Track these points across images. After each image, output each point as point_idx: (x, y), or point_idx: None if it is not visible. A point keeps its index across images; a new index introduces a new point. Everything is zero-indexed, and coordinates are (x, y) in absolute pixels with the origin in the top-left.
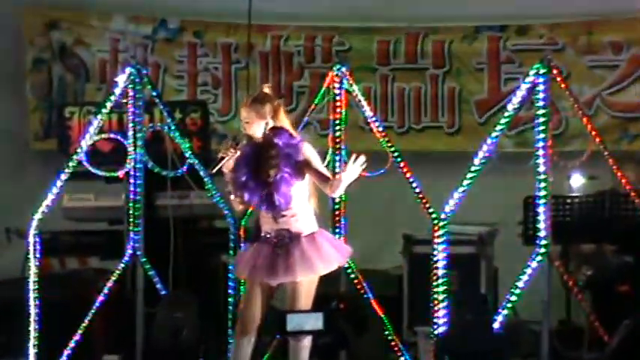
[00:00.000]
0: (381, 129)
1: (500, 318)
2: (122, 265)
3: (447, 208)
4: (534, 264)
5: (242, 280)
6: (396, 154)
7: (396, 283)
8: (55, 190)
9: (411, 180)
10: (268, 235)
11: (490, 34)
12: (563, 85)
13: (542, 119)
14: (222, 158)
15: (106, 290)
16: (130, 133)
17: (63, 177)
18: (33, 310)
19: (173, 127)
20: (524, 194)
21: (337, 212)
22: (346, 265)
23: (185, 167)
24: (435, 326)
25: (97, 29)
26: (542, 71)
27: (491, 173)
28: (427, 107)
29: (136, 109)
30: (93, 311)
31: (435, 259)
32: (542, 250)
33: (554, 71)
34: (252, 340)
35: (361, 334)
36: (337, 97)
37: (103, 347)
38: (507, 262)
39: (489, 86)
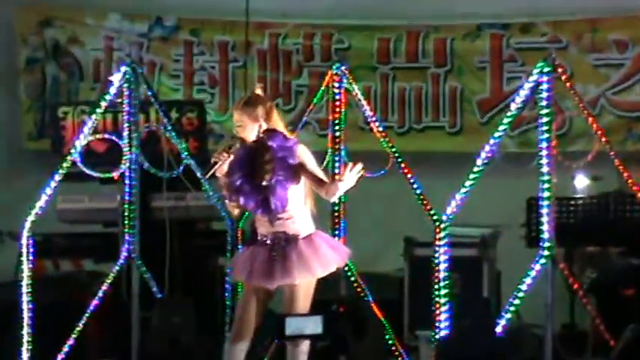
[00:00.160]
0: (381, 129)
1: (502, 322)
2: (117, 268)
3: (449, 210)
4: (538, 267)
5: (240, 283)
6: (396, 154)
7: (397, 286)
8: (48, 192)
9: (412, 181)
10: (265, 239)
11: (492, 32)
12: (567, 84)
13: (545, 119)
14: (216, 163)
15: (100, 294)
16: (125, 133)
17: (57, 178)
18: (26, 314)
19: (169, 127)
20: (528, 195)
21: (337, 214)
22: (346, 268)
23: (181, 168)
24: (437, 330)
25: (91, 27)
26: (545, 70)
27: (493, 174)
28: (428, 107)
29: (131, 108)
30: (87, 315)
31: (436, 261)
32: (546, 252)
33: (558, 70)
34: (247, 345)
35: (361, 338)
36: (337, 97)
37: (97, 352)
38: (510, 265)
39: (492, 85)
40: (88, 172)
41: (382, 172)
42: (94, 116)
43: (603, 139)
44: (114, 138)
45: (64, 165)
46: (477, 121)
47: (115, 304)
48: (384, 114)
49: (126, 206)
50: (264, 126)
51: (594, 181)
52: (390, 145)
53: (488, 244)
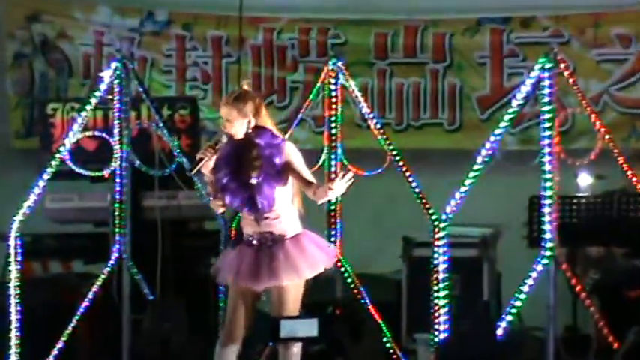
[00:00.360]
0: (378, 126)
1: (503, 324)
2: (107, 269)
3: (448, 209)
4: (539, 267)
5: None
6: (394, 152)
7: (395, 288)
8: (37, 191)
9: (411, 179)
10: (251, 238)
11: (493, 27)
12: (569, 80)
13: (547, 116)
14: (201, 159)
15: (90, 295)
16: (116, 130)
17: (46, 177)
18: (14, 317)
19: (161, 125)
20: (529, 194)
21: (333, 213)
22: (342, 269)
23: (173, 166)
24: (436, 333)
25: (80, 22)
26: (547, 65)
27: (494, 172)
28: (427, 103)
29: (122, 105)
30: (77, 317)
31: (435, 262)
32: (548, 252)
33: (561, 65)
34: (238, 347)
35: (358, 341)
36: (333, 93)
37: (87, 355)
38: (511, 266)
39: (492, 81)
40: (77, 170)
41: (379, 170)
42: (83, 113)
43: (607, 137)
44: (104, 135)
45: (53, 163)
46: (477, 117)
47: (105, 306)
48: (382, 111)
49: (117, 205)
50: (253, 122)
51: (598, 180)
52: (388, 142)
53: (488, 244)
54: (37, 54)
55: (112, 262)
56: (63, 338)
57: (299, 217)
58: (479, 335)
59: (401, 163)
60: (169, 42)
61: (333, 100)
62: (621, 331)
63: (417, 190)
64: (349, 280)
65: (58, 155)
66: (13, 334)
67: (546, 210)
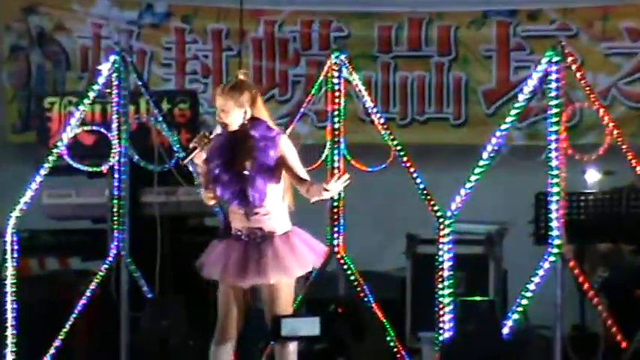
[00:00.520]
0: (382, 120)
1: (509, 323)
2: (105, 266)
3: (453, 206)
4: (546, 265)
5: None
6: (398, 147)
7: (399, 286)
8: (34, 186)
9: (415, 175)
10: (239, 233)
11: (499, 20)
12: (577, 74)
13: (554, 110)
14: (195, 148)
15: (88, 293)
16: (115, 125)
17: (42, 172)
18: (10, 315)
19: (160, 119)
20: (536, 190)
21: (336, 209)
22: (345, 267)
23: (173, 162)
24: (440, 332)
25: (78, 14)
26: (554, 59)
27: (500, 168)
28: (431, 97)
29: (121, 99)
30: (74, 315)
31: (440, 259)
32: (555, 250)
33: (568, 59)
34: (233, 344)
35: (361, 340)
36: (336, 87)
37: (84, 354)
38: (517, 264)
39: (498, 75)
40: (75, 165)
41: (383, 165)
42: (81, 107)
43: (615, 132)
44: (102, 130)
45: (50, 158)
46: (482, 112)
47: (103, 304)
48: (386, 105)
49: (115, 201)
50: (249, 113)
51: (606, 176)
52: (392, 137)
53: (494, 241)
54: (33, 46)
55: (110, 259)
56: (60, 337)
57: (289, 213)
58: (484, 334)
59: (405, 159)
60: (169, 35)
61: (336, 94)
62: (630, 330)
63: (421, 186)
64: (352, 277)
65: (55, 150)
66: (10, 332)
67: (553, 206)
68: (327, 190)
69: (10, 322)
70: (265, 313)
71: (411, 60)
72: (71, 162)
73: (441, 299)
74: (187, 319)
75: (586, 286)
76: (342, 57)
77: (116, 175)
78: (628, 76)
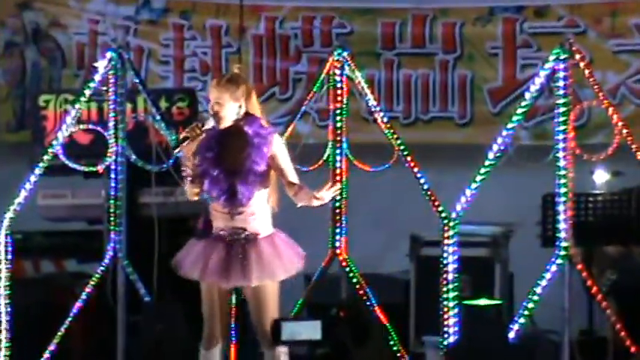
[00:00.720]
0: (385, 119)
1: (516, 327)
2: (102, 268)
3: (458, 207)
4: (554, 268)
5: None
6: (402, 147)
7: (402, 289)
8: (28, 187)
9: (419, 175)
10: (222, 233)
11: (505, 16)
12: (585, 72)
13: (562, 109)
14: (186, 138)
15: (84, 296)
16: (111, 123)
17: (37, 172)
18: (4, 318)
19: (158, 118)
20: (543, 191)
21: (338, 210)
22: (347, 269)
23: (171, 161)
24: (445, 336)
25: (74, 10)
26: (562, 56)
27: (506, 168)
28: (436, 96)
29: (118, 97)
30: (70, 319)
31: (444, 262)
32: (563, 252)
33: (576, 56)
34: (222, 346)
35: (363, 344)
36: (338, 85)
37: (80, 358)
38: (524, 266)
39: (504, 73)
40: (71, 165)
41: (386, 165)
42: (77, 105)
43: (624, 131)
44: (99, 129)
45: (45, 158)
46: (488, 111)
47: (99, 308)
48: (389, 103)
49: (112, 202)
50: (244, 108)
51: (615, 176)
52: (395, 136)
53: (500, 243)
54: (28, 43)
55: (106, 261)
56: (55, 341)
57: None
58: (490, 338)
59: (409, 159)
60: (167, 31)
61: (338, 92)
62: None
63: (425, 187)
64: (354, 280)
65: (50, 149)
66: (3, 336)
67: (561, 208)
68: (317, 198)
69: (3, 325)
70: (251, 315)
71: (415, 57)
72: (67, 162)
73: (445, 303)
74: (185, 322)
75: (594, 289)
76: (345, 54)
77: (113, 176)
78: (638, 73)
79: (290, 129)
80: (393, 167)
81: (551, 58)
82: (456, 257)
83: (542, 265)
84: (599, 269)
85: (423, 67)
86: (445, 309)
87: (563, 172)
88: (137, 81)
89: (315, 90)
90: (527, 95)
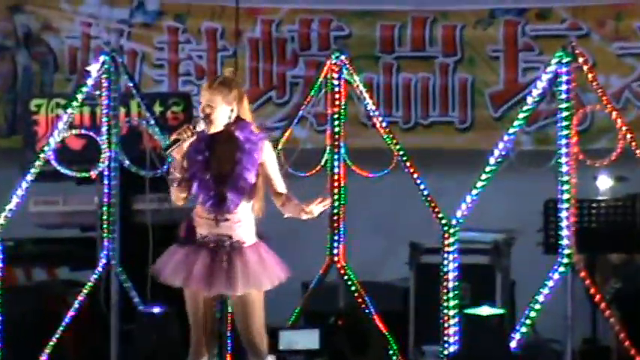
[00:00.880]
0: (384, 124)
1: (517, 336)
2: (95, 276)
3: (459, 213)
4: (556, 276)
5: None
6: (401, 152)
7: (401, 297)
8: (19, 193)
9: (419, 181)
10: (206, 240)
11: (507, 19)
12: (589, 76)
13: (565, 113)
14: (177, 140)
15: (76, 304)
16: (104, 128)
17: (29, 178)
18: None
19: (152, 122)
20: (545, 197)
21: (336, 217)
22: (345, 277)
23: (165, 167)
24: (445, 345)
25: (66, 13)
26: (565, 60)
27: (507, 174)
28: (436, 100)
29: (111, 101)
30: (62, 328)
31: (444, 270)
32: (565, 260)
33: (579, 59)
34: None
35: (362, 353)
36: (336, 89)
37: None
38: (526, 274)
39: (506, 77)
40: (63, 171)
41: (386, 171)
42: (69, 110)
43: (628, 136)
44: (92, 134)
45: (37, 163)
46: (489, 115)
47: (92, 316)
48: (388, 108)
49: (105, 209)
50: (235, 112)
51: (618, 182)
52: (395, 141)
53: (501, 250)
54: (19, 47)
55: (99, 269)
56: (47, 350)
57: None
58: (491, 347)
59: (408, 164)
60: (161, 34)
61: (336, 96)
62: None
63: (425, 193)
64: (353, 288)
65: (42, 155)
66: None
67: (564, 214)
68: (306, 212)
69: None
70: (237, 324)
71: (414, 61)
72: (59, 167)
73: (445, 311)
74: (180, 331)
75: (597, 297)
76: (343, 58)
77: (106, 182)
78: None
79: (287, 134)
80: (392, 173)
81: (554, 61)
82: (456, 265)
83: (545, 272)
84: (602, 277)
85: (422, 71)
86: (445, 317)
87: (565, 178)
88: (131, 85)
89: (312, 94)
90: (529, 99)
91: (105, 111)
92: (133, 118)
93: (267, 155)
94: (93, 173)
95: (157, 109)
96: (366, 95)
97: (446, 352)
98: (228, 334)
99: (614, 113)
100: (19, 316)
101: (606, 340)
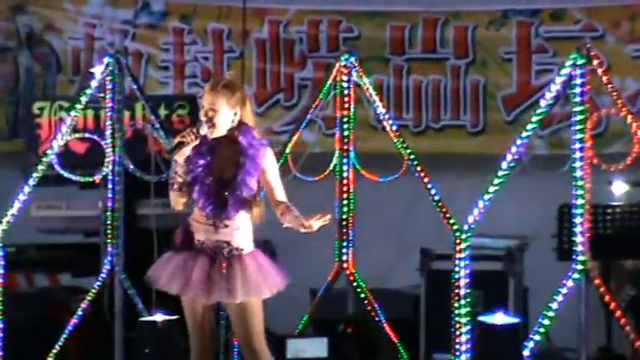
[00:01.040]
0: (394, 128)
1: (531, 345)
2: (98, 283)
3: (471, 219)
4: (570, 283)
5: None
6: (411, 156)
7: (412, 304)
8: (22, 197)
9: (430, 186)
10: (204, 246)
11: (520, 20)
12: (604, 78)
13: (579, 117)
14: (182, 143)
15: (79, 312)
16: (108, 132)
17: (31, 182)
18: None
19: (157, 126)
20: (559, 203)
21: (345, 222)
22: (355, 284)
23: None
24: (457, 353)
25: (69, 13)
26: (579, 62)
27: (520, 179)
28: (447, 103)
29: (115, 104)
30: (65, 336)
31: (456, 276)
32: (579, 266)
33: (594, 62)
34: None
35: None
36: (345, 91)
37: None
38: (539, 281)
39: (519, 79)
40: (66, 175)
41: (396, 176)
42: (73, 113)
43: None
44: (95, 137)
45: (40, 167)
46: (502, 119)
47: (95, 324)
48: (398, 111)
49: (108, 214)
50: (238, 115)
51: (634, 187)
52: (405, 145)
53: (514, 256)
54: (22, 48)
55: (103, 275)
56: (49, 358)
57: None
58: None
59: (419, 169)
60: (166, 35)
61: (345, 99)
62: None
63: (436, 198)
64: (362, 295)
65: (44, 159)
66: None
67: (578, 220)
68: (305, 226)
69: None
70: (235, 332)
71: (425, 63)
72: (62, 171)
73: (457, 319)
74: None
75: (612, 305)
76: (352, 59)
77: (110, 186)
78: None
79: (295, 137)
80: (402, 177)
81: (568, 63)
82: (468, 271)
83: (558, 279)
84: (617, 284)
85: (433, 73)
86: (457, 325)
87: (580, 183)
88: (135, 87)
89: (321, 97)
90: (543, 102)
91: (109, 114)
92: (138, 121)
93: (269, 162)
94: (97, 177)
95: (162, 112)
96: (376, 98)
97: None
98: (235, 342)
99: (629, 117)
100: (21, 323)
101: (621, 348)
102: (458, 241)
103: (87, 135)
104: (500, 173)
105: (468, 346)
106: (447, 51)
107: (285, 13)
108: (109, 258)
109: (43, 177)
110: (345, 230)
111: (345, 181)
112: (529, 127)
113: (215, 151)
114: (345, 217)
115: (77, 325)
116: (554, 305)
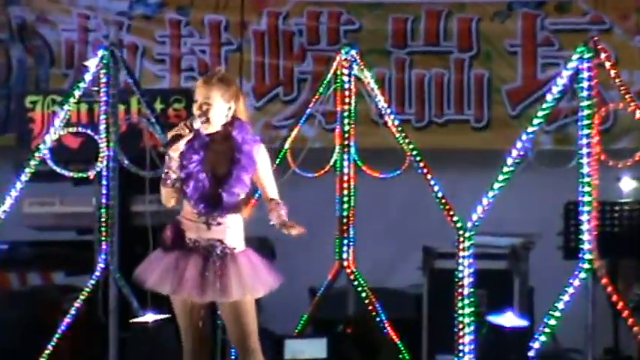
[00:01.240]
0: (396, 122)
1: (536, 345)
2: (92, 281)
3: (475, 216)
4: (577, 282)
5: None
6: (414, 152)
7: (414, 304)
8: (13, 194)
9: (432, 182)
10: (197, 244)
11: (525, 11)
12: (611, 72)
13: (586, 112)
14: (178, 136)
15: (73, 311)
16: (103, 126)
17: (23, 178)
18: None
19: (153, 120)
20: (566, 200)
21: (345, 219)
22: (355, 283)
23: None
24: (460, 354)
25: (62, 4)
26: (586, 55)
27: (526, 175)
28: (451, 97)
29: (110, 98)
30: (58, 336)
31: (459, 275)
32: (586, 265)
33: (602, 55)
34: None
35: None
36: (346, 85)
37: None
38: (545, 280)
39: (524, 73)
40: (59, 170)
41: (398, 172)
42: (66, 107)
43: None
44: (89, 132)
45: (32, 163)
46: (506, 113)
47: (89, 324)
48: (400, 105)
49: (103, 210)
50: (233, 110)
51: None
52: (407, 141)
53: (519, 255)
54: (14, 40)
55: (97, 273)
56: (42, 359)
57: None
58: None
59: (421, 165)
60: (162, 27)
61: (346, 93)
62: None
63: (439, 195)
64: (363, 294)
65: (37, 154)
66: None
67: (585, 217)
68: (285, 226)
69: None
70: (228, 331)
71: (428, 56)
72: (55, 167)
73: (460, 319)
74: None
75: (620, 305)
76: (353, 52)
77: (104, 182)
78: None
79: (295, 132)
80: (404, 174)
81: (575, 57)
82: (471, 270)
83: (565, 278)
84: (625, 283)
85: (436, 67)
86: (460, 325)
87: (587, 179)
88: (131, 81)
89: (321, 91)
90: (549, 97)
91: (103, 108)
92: (133, 115)
93: (262, 159)
94: (91, 173)
95: (158, 106)
96: (378, 92)
97: None
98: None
99: (637, 112)
100: (13, 322)
101: (629, 349)
102: (461, 239)
103: (81, 129)
104: (505, 169)
105: (472, 346)
106: (450, 44)
107: (285, 4)
108: (103, 256)
109: (35, 172)
110: (345, 228)
111: (345, 177)
112: (535, 122)
113: (209, 147)
114: (345, 214)
115: (70, 325)
116: (561, 305)
